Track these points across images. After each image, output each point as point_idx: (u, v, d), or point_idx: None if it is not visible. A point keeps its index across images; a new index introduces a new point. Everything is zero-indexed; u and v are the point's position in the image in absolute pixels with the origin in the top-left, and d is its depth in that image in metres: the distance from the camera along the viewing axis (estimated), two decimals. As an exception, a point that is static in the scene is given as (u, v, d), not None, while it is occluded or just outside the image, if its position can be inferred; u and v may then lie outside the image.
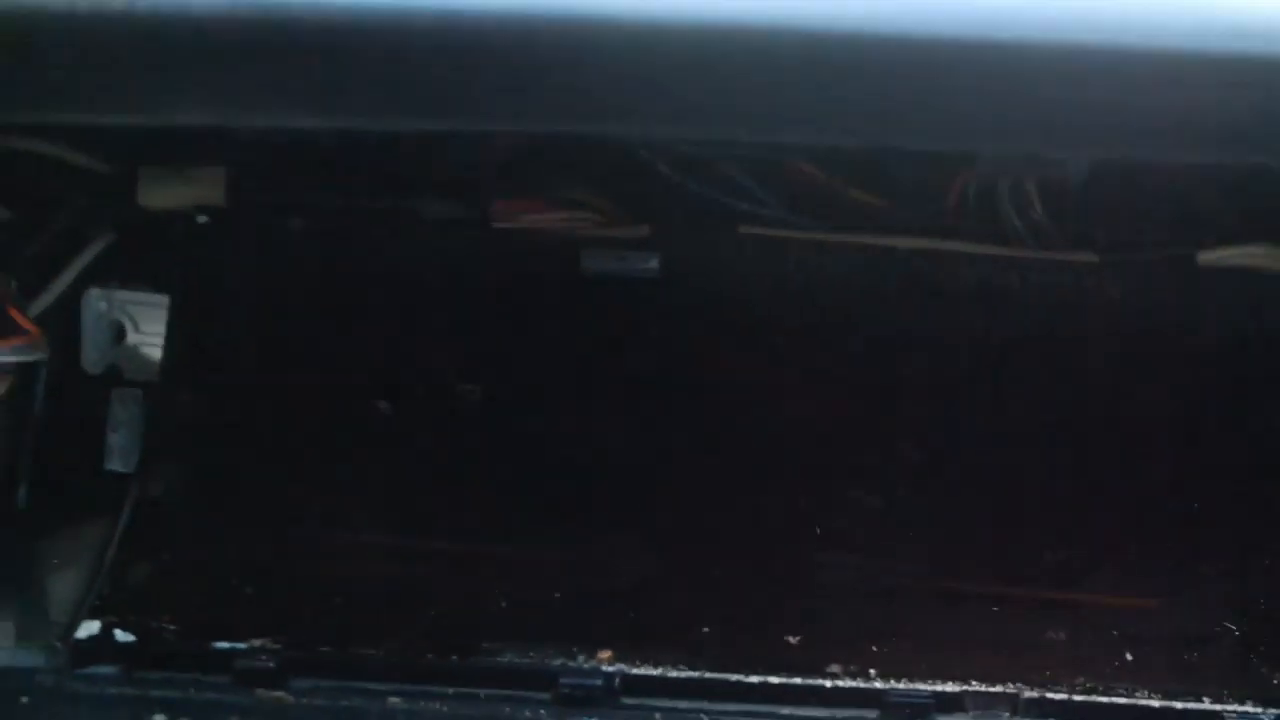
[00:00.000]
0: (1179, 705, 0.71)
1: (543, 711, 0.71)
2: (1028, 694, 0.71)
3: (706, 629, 0.75)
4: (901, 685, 0.72)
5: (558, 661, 0.73)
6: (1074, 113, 0.62)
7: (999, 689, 0.72)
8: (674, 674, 0.73)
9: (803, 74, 0.61)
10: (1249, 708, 0.70)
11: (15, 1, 0.60)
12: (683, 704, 0.72)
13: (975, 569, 0.80)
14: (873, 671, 0.73)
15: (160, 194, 0.86)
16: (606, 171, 0.85)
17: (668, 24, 0.60)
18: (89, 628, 0.74)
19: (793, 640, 0.75)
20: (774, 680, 0.72)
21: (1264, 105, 0.60)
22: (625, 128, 0.73)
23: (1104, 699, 0.71)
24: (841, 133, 0.68)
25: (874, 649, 0.74)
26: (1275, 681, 0.73)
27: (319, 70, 0.60)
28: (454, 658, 0.73)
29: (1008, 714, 0.71)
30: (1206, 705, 0.71)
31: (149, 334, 0.86)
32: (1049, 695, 0.71)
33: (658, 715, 0.71)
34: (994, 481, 0.83)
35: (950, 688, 0.72)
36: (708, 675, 0.72)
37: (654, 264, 0.85)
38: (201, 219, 0.86)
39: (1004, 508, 0.82)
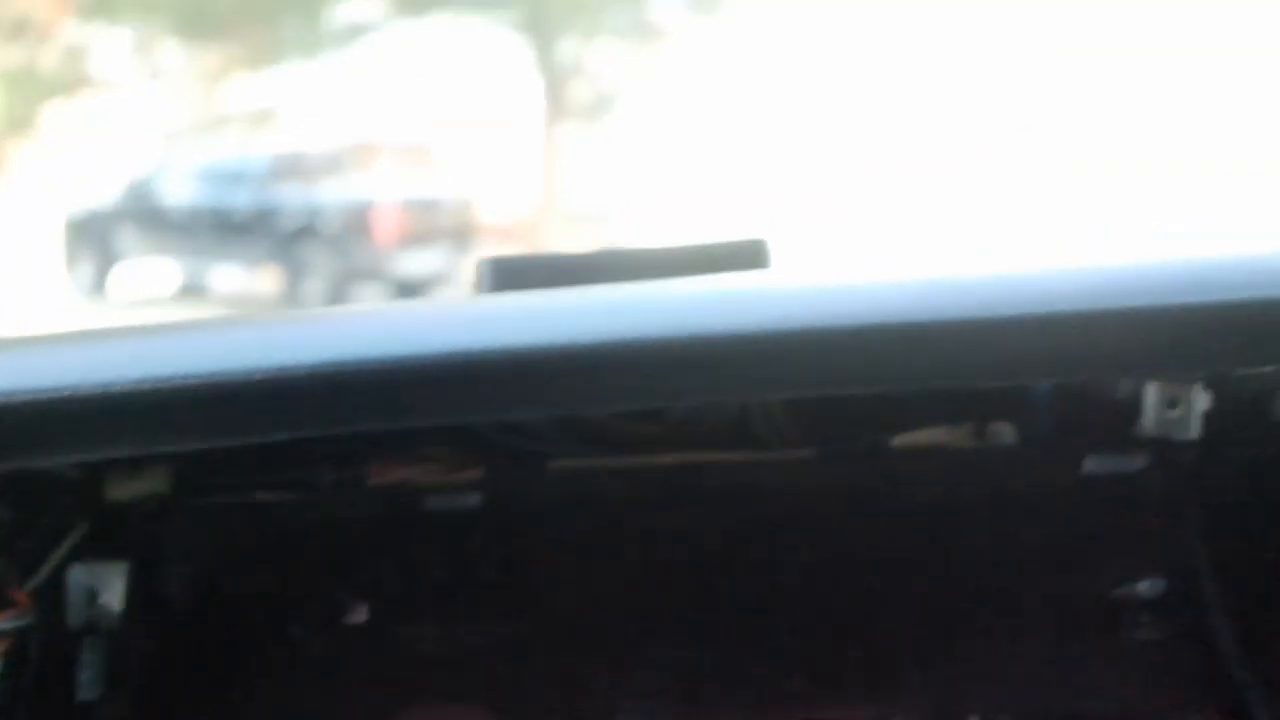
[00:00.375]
0: None
1: None
2: None
3: None
4: None
5: None
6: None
7: None
8: None
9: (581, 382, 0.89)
10: None
11: (32, 392, 0.89)
12: None
13: (731, 701, 1.05)
14: None
15: (120, 489, 1.16)
16: (444, 435, 1.14)
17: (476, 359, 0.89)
18: None
19: None
20: None
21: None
22: (458, 420, 1.02)
23: None
24: (617, 405, 0.96)
25: None
26: None
27: (208, 416, 0.90)
28: None
29: None
30: None
31: (114, 593, 1.15)
32: None
33: None
34: (747, 630, 1.09)
35: None
36: None
37: (475, 500, 1.13)
38: (150, 505, 1.16)
39: (751, 650, 1.08)
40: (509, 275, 1.11)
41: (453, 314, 1.01)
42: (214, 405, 0.87)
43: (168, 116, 12.06)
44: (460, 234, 12.28)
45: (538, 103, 11.88)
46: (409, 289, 11.36)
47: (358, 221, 11.59)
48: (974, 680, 1.02)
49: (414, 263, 11.33)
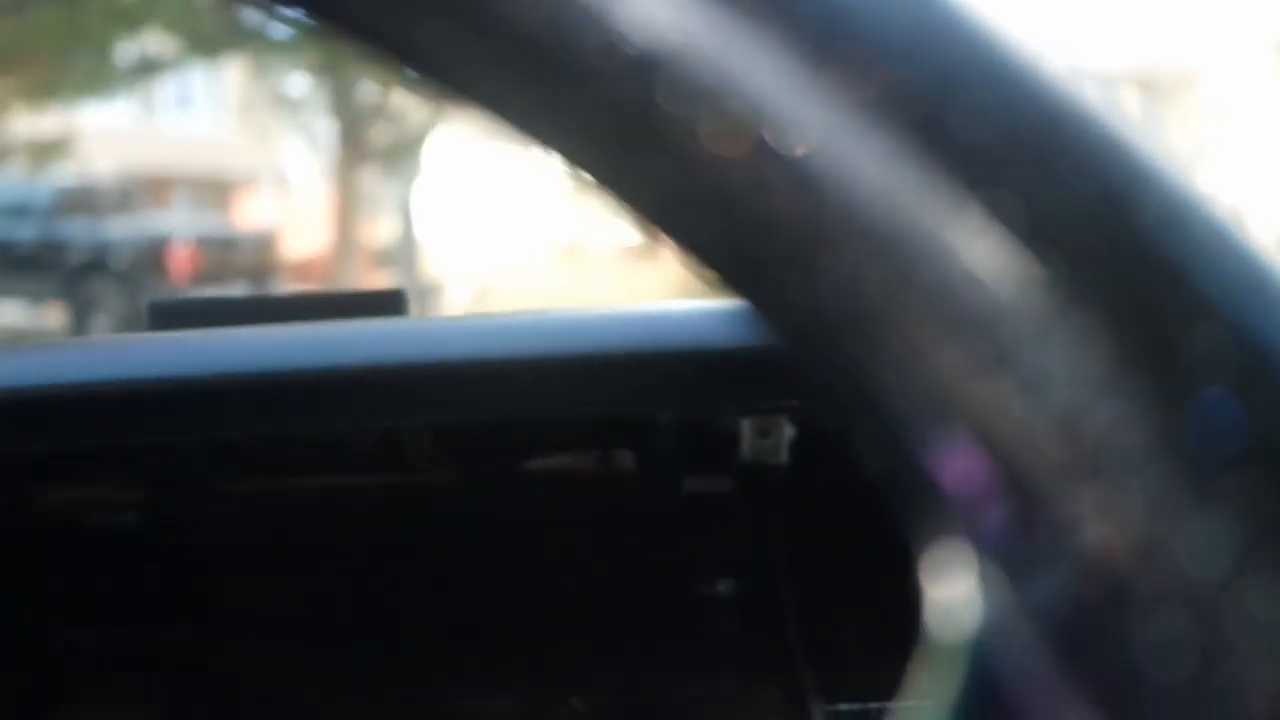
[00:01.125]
0: None
1: None
2: None
3: None
4: None
5: None
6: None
7: None
8: None
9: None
10: None
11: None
12: None
13: (374, 694, 1.18)
14: None
15: None
16: (110, 459, 1.25)
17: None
18: None
19: None
20: None
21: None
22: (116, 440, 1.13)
23: None
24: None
25: None
26: None
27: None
28: None
29: None
30: None
31: None
32: None
33: None
34: (391, 632, 1.21)
35: None
36: None
37: (136, 518, 1.23)
38: None
39: (396, 649, 1.20)
40: (171, 316, 1.22)
41: (118, 348, 1.12)
42: None
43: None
44: (258, 272, 12.16)
45: (335, 144, 11.87)
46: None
47: (151, 258, 11.37)
48: (582, 668, 1.17)
49: (209, 301, 11.14)
